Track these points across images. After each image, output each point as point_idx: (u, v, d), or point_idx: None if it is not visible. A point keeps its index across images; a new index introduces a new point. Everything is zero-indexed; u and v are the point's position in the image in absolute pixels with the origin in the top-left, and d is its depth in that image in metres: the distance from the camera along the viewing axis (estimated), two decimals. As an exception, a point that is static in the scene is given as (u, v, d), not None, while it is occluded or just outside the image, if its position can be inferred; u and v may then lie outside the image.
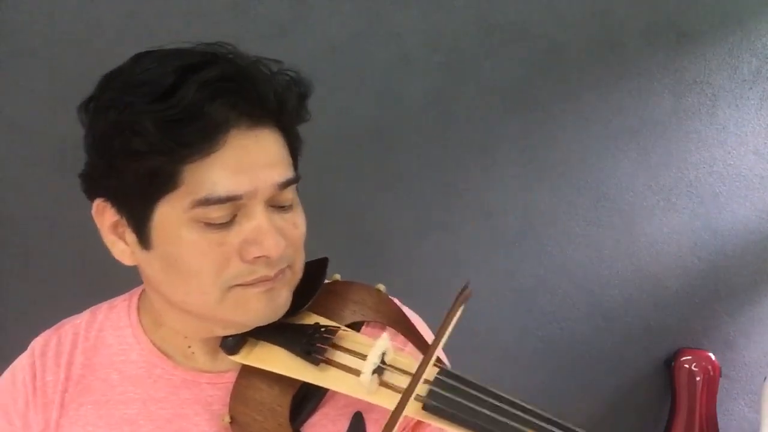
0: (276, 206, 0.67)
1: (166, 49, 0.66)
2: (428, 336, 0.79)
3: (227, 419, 0.68)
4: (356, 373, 0.66)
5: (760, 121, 1.79)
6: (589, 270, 1.82)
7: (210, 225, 0.63)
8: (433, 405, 0.63)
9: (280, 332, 0.71)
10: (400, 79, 1.66)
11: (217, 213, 0.63)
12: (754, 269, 1.85)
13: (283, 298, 0.69)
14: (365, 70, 1.65)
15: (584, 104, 1.74)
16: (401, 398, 0.62)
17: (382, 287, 0.78)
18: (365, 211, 1.68)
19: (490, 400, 0.64)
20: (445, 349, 0.74)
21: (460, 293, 0.64)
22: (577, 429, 0.62)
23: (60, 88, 1.52)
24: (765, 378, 1.63)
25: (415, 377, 0.62)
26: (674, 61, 1.74)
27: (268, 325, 0.69)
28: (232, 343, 0.71)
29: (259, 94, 0.64)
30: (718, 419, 1.83)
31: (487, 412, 0.63)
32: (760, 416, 1.58)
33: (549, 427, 0.62)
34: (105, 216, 0.69)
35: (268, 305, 0.67)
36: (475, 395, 0.64)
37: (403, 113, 1.68)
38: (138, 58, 0.66)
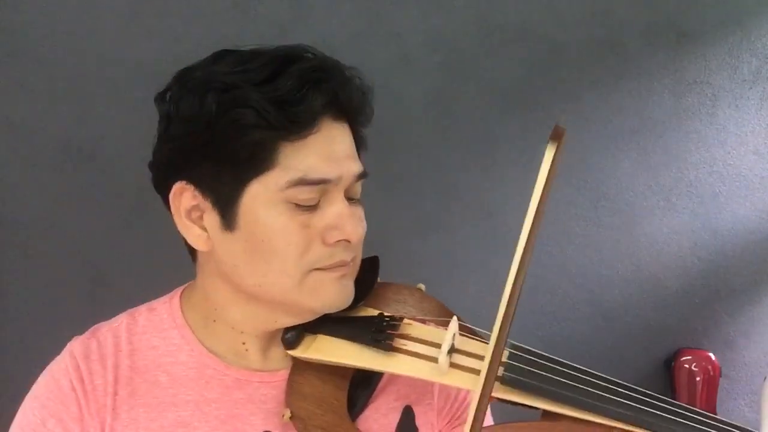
0: (349, 198, 0.71)
1: (246, 49, 0.70)
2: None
3: (288, 414, 0.68)
4: (426, 357, 0.68)
5: (760, 121, 1.79)
6: (589, 270, 1.82)
7: (298, 206, 0.67)
8: (511, 377, 0.65)
9: (343, 324, 0.73)
10: (400, 79, 1.66)
11: (307, 195, 0.67)
12: (754, 269, 1.84)
13: (351, 288, 0.72)
14: (365, 70, 1.64)
15: (584, 104, 1.74)
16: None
17: (422, 286, 0.81)
18: (365, 211, 1.68)
19: (565, 370, 0.67)
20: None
21: (552, 134, 0.62)
22: (636, 388, 0.66)
23: (60, 88, 1.52)
24: (765, 378, 1.62)
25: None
26: (674, 61, 1.74)
27: (329, 319, 0.72)
28: (292, 338, 0.72)
29: (348, 90, 0.70)
30: (718, 419, 1.83)
31: (566, 381, 0.65)
32: (760, 416, 1.58)
33: (621, 390, 0.66)
34: (182, 199, 0.70)
35: (341, 291, 0.71)
36: (549, 366, 0.67)
37: (403, 113, 1.68)
38: (220, 54, 0.70)
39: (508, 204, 1.76)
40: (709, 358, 1.81)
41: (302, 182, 0.66)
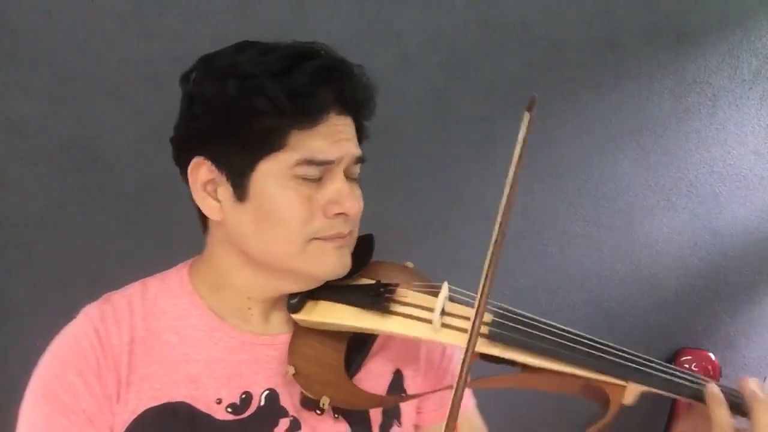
0: (348, 177, 0.80)
1: (266, 42, 0.78)
2: None
3: (292, 371, 0.76)
4: (420, 318, 0.77)
5: (760, 121, 1.79)
6: (589, 270, 1.82)
7: (305, 180, 0.75)
8: (495, 332, 0.74)
9: (343, 291, 0.81)
10: (400, 79, 1.66)
11: (312, 172, 0.75)
12: (754, 269, 1.85)
13: (348, 258, 0.81)
14: (365, 70, 1.64)
15: (584, 104, 1.74)
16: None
17: (410, 264, 0.91)
18: (365, 211, 1.68)
19: (543, 326, 0.75)
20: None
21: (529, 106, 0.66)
22: (619, 352, 0.76)
23: (60, 88, 1.52)
24: (765, 378, 1.63)
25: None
26: (674, 61, 1.74)
27: (330, 286, 0.81)
28: (296, 303, 0.81)
29: (354, 88, 0.79)
30: (718, 419, 1.83)
31: (550, 337, 0.74)
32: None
33: (594, 344, 0.75)
34: (200, 173, 0.78)
35: (339, 260, 0.79)
36: (530, 322, 0.76)
37: (403, 113, 1.68)
38: (241, 45, 0.78)
39: (508, 204, 1.76)
40: (709, 358, 1.81)
41: (310, 162, 0.74)
